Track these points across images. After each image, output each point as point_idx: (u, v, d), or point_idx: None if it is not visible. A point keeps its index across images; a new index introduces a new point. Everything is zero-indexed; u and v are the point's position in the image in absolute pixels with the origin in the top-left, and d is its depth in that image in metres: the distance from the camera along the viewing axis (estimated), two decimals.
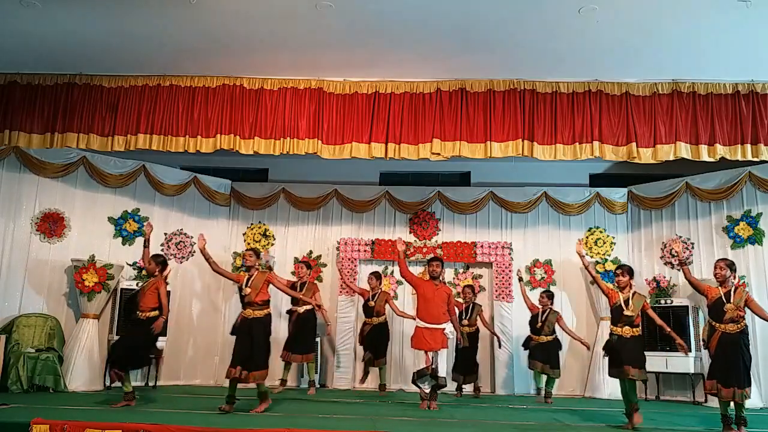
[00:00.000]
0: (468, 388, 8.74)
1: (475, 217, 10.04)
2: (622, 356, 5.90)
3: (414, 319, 7.11)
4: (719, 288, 5.81)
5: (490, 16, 6.23)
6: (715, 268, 5.89)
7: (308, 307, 8.16)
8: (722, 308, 5.67)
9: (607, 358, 6.20)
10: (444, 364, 6.87)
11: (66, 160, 8.75)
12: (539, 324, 8.23)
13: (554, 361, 8.14)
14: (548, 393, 8.16)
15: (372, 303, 8.50)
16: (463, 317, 8.59)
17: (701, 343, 5.93)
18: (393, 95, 7.56)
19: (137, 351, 6.43)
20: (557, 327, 8.26)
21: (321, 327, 8.69)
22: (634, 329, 5.99)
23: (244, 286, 6.28)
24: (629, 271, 6.22)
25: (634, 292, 6.10)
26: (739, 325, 5.64)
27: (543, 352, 8.14)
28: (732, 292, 5.71)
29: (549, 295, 8.44)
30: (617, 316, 6.06)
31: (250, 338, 6.14)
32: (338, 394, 8.30)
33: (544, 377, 8.21)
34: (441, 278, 7.12)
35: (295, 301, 8.25)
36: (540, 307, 8.35)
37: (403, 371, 9.35)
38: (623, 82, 7.42)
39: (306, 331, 8.23)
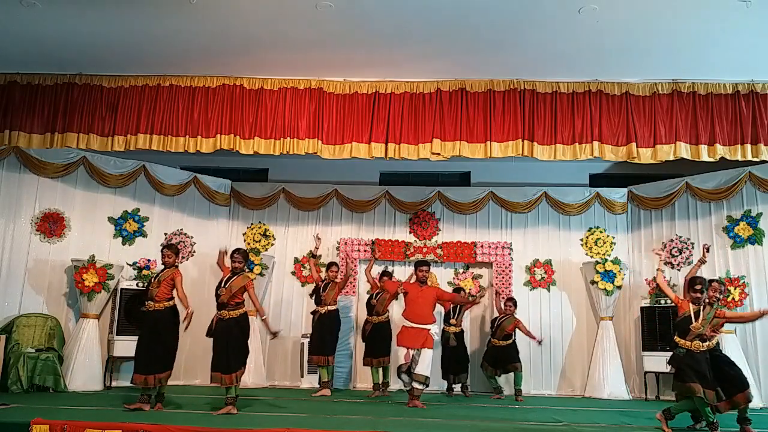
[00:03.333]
0: (457, 388, 8.80)
1: (475, 217, 10.04)
2: (687, 373, 5.59)
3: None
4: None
5: (490, 16, 6.23)
6: (710, 290, 5.80)
7: (331, 308, 8.21)
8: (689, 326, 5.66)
9: (673, 372, 5.85)
10: (428, 363, 6.96)
11: (66, 160, 8.74)
12: (495, 328, 8.51)
13: (509, 360, 8.37)
14: (518, 390, 8.33)
15: (374, 301, 8.50)
16: (450, 317, 8.66)
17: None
18: (393, 95, 7.57)
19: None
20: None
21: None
22: (704, 344, 5.62)
23: (222, 285, 6.18)
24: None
25: (707, 304, 5.74)
26: (709, 344, 5.63)
27: (494, 356, 8.42)
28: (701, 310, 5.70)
29: (514, 303, 8.66)
30: (684, 328, 5.69)
31: (226, 340, 6.08)
32: (338, 395, 8.28)
33: (498, 377, 8.48)
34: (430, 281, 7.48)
35: (318, 301, 8.31)
36: (503, 311, 8.57)
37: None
38: (623, 82, 7.42)
39: (324, 332, 8.18)
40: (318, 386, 8.39)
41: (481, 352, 9.06)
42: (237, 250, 6.35)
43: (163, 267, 6.39)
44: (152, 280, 6.28)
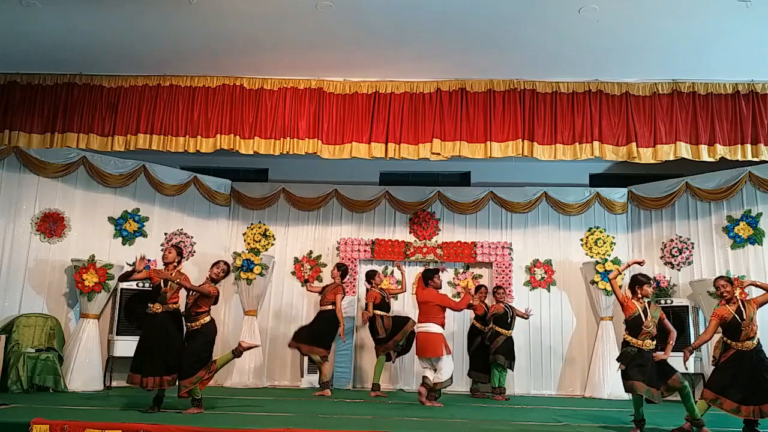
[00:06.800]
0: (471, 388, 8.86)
1: (475, 217, 10.04)
2: (632, 371, 5.61)
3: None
4: (727, 306, 5.72)
5: (490, 16, 6.24)
6: (718, 288, 5.79)
7: (327, 307, 8.16)
8: (739, 326, 5.59)
9: (620, 371, 5.79)
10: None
11: (66, 160, 8.75)
12: (509, 319, 8.44)
13: (513, 356, 8.44)
14: (503, 389, 8.28)
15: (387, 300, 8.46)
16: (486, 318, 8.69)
17: (711, 359, 5.84)
18: (393, 95, 7.56)
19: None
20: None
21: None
22: (654, 342, 5.69)
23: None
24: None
25: (650, 302, 5.84)
26: (754, 342, 5.59)
27: (507, 347, 8.35)
28: (742, 307, 5.65)
29: (503, 291, 8.71)
30: (637, 327, 5.68)
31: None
32: (338, 394, 8.28)
33: (499, 374, 8.34)
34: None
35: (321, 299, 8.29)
36: (502, 303, 8.50)
37: (403, 371, 9.35)
38: (623, 82, 7.42)
39: (320, 325, 8.12)
40: (318, 386, 8.36)
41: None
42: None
43: (164, 264, 6.35)
44: (161, 283, 6.15)
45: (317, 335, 8.09)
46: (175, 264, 6.30)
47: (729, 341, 5.69)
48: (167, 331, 6.08)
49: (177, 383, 6.00)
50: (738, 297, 5.79)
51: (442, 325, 7.27)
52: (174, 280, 6.11)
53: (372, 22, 6.41)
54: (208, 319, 6.15)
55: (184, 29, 6.63)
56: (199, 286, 6.19)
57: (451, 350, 7.47)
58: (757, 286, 5.94)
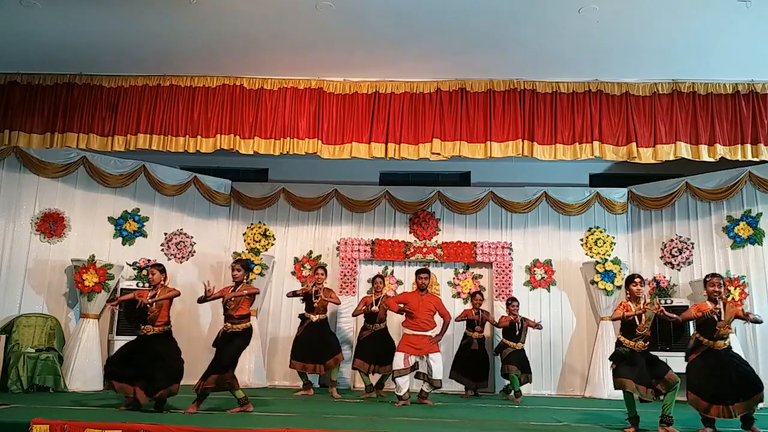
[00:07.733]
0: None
1: (475, 217, 10.04)
2: (622, 369, 5.66)
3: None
4: (709, 303, 5.70)
5: (490, 16, 6.24)
6: (711, 285, 5.72)
7: (322, 315, 8.17)
8: (714, 326, 5.57)
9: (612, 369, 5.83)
10: (440, 366, 7.18)
11: (66, 160, 8.75)
12: (517, 332, 8.32)
13: (528, 368, 8.33)
14: (519, 392, 8.19)
15: (376, 308, 8.21)
16: (476, 324, 8.63)
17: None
18: (393, 95, 7.56)
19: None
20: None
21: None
22: (647, 343, 5.73)
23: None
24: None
25: (650, 300, 5.80)
26: (725, 342, 5.60)
27: (517, 358, 8.21)
28: (723, 309, 5.61)
29: (518, 304, 8.56)
30: (630, 329, 5.70)
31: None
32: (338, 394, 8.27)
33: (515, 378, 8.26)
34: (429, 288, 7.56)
35: (309, 308, 8.18)
36: (513, 316, 8.39)
37: None
38: (623, 82, 7.42)
39: (328, 336, 8.21)
40: (327, 387, 8.38)
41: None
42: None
43: (150, 286, 6.36)
44: (147, 304, 6.14)
45: (330, 344, 8.15)
46: (163, 282, 6.31)
47: (701, 338, 5.69)
48: (166, 348, 6.15)
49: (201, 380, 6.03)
50: (723, 298, 5.74)
51: (406, 325, 7.29)
52: (170, 297, 6.19)
53: (372, 22, 6.41)
54: (248, 324, 6.29)
55: (184, 29, 6.63)
56: (235, 293, 6.24)
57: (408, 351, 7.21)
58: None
